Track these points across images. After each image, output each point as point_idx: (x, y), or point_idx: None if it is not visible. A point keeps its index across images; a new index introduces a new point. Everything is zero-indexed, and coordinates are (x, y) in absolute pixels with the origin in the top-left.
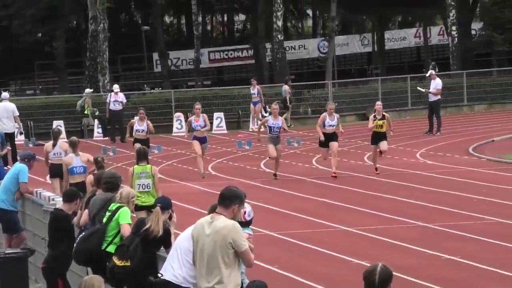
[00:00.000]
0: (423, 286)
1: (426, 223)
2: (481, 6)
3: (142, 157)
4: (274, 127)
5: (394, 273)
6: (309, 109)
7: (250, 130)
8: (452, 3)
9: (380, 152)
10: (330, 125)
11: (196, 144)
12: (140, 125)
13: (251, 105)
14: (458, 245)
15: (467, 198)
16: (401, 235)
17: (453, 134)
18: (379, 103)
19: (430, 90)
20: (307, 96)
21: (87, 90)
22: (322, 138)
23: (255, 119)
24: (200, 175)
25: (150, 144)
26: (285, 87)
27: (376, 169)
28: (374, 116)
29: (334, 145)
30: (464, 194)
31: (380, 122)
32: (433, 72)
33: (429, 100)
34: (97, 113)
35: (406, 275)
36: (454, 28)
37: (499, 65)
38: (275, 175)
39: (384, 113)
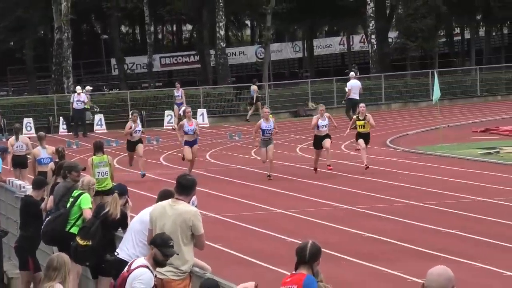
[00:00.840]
0: (347, 260)
1: (350, 205)
2: (397, 17)
3: (98, 149)
4: (266, 129)
5: (322, 249)
6: (249, 107)
7: (171, 128)
8: (372, 14)
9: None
10: (324, 125)
11: (188, 150)
12: (135, 126)
13: (175, 106)
14: (378, 224)
15: (385, 184)
16: (328, 216)
17: (373, 129)
18: (362, 105)
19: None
20: (247, 96)
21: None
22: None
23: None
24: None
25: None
26: (254, 87)
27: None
28: (357, 117)
29: (327, 141)
30: (383, 180)
31: (362, 122)
32: (353, 74)
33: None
34: (96, 110)
35: (332, 250)
36: (373, 36)
37: (412, 69)
38: (269, 176)
39: (366, 114)
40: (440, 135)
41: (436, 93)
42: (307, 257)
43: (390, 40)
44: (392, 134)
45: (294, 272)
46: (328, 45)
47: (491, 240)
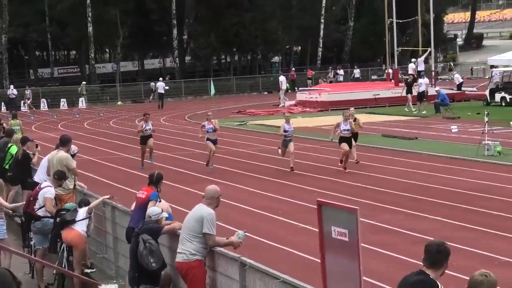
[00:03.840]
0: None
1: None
2: (190, 48)
3: (14, 116)
4: (288, 131)
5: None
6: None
7: None
8: (175, 46)
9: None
10: (345, 129)
11: (210, 144)
12: (147, 125)
13: None
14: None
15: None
16: None
17: (173, 110)
18: (352, 108)
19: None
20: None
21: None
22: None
23: None
24: (209, 166)
25: None
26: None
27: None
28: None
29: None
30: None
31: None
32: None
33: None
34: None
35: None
36: (177, 59)
37: (199, 77)
38: (292, 168)
39: (356, 116)
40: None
41: (212, 91)
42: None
43: (186, 60)
44: (189, 113)
45: None
46: (152, 63)
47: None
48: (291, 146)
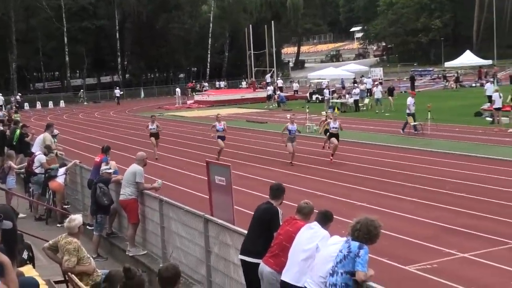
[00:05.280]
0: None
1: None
2: (129, 70)
3: (15, 112)
4: (292, 130)
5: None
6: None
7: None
8: (119, 68)
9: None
10: (334, 127)
11: (220, 141)
12: (152, 125)
13: None
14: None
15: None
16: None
17: (119, 107)
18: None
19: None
20: None
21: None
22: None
23: None
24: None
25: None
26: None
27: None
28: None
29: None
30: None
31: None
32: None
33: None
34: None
35: None
36: (121, 76)
37: (135, 86)
38: (291, 163)
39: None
40: (145, 109)
41: (142, 95)
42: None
43: (126, 77)
44: (128, 108)
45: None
46: (105, 79)
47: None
48: (293, 145)
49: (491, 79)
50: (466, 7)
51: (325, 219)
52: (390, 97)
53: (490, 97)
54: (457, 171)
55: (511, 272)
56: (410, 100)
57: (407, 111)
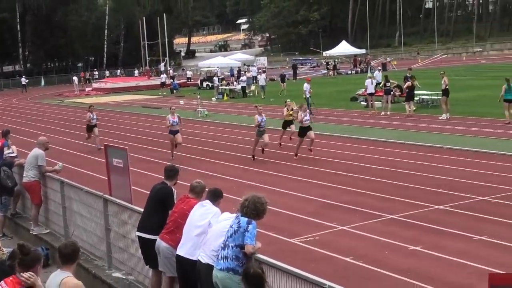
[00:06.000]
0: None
1: None
2: (30, 60)
3: None
4: (261, 122)
5: None
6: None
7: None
8: (21, 58)
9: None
10: (306, 120)
11: (171, 136)
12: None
13: None
14: None
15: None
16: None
17: (23, 94)
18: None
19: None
20: None
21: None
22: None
23: None
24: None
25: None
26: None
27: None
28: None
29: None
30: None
31: (291, 112)
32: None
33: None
34: None
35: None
36: (22, 66)
37: (36, 75)
38: (262, 151)
39: (293, 108)
40: (46, 96)
41: (42, 83)
42: None
43: (27, 66)
44: (30, 96)
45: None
46: (8, 68)
47: None
48: (266, 137)
49: (379, 68)
50: (342, 0)
51: (215, 196)
52: (282, 84)
53: (379, 83)
54: (344, 152)
55: (383, 242)
56: (306, 86)
57: (304, 96)
